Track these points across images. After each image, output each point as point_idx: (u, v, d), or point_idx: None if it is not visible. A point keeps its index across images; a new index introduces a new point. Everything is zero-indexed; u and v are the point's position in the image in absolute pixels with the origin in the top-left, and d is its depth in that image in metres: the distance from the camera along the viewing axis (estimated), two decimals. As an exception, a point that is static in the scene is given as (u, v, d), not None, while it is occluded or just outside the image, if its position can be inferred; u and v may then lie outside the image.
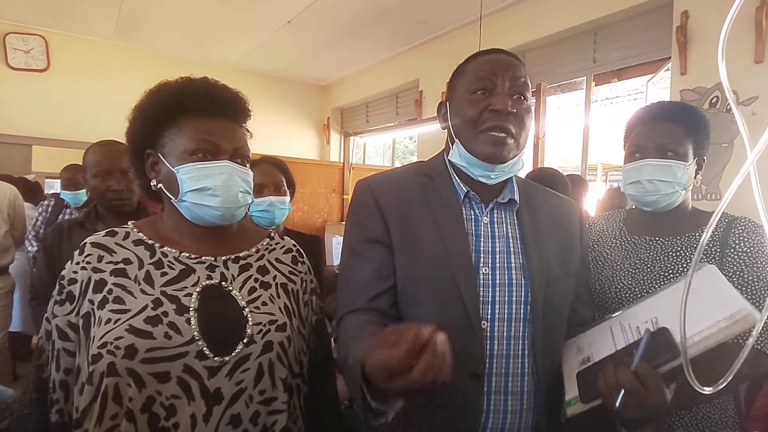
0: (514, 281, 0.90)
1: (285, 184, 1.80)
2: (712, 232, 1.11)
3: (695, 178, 1.16)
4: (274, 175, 1.76)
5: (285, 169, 1.82)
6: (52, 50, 4.72)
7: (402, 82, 5.07)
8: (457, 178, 0.97)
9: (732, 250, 1.07)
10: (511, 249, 0.93)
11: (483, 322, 0.87)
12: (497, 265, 0.91)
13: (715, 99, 2.54)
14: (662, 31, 2.87)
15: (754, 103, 2.38)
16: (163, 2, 3.98)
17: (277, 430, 0.86)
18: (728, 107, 2.44)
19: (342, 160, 4.44)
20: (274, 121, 6.03)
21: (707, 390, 0.63)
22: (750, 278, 1.05)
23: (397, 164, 6.77)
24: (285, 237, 1.07)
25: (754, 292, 1.04)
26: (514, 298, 0.89)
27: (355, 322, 0.87)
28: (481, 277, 0.89)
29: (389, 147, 6.69)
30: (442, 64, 4.39)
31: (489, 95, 0.90)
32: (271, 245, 1.02)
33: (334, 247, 3.64)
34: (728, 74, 0.52)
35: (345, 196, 4.11)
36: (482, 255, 0.91)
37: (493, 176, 0.93)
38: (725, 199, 0.54)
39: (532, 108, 0.94)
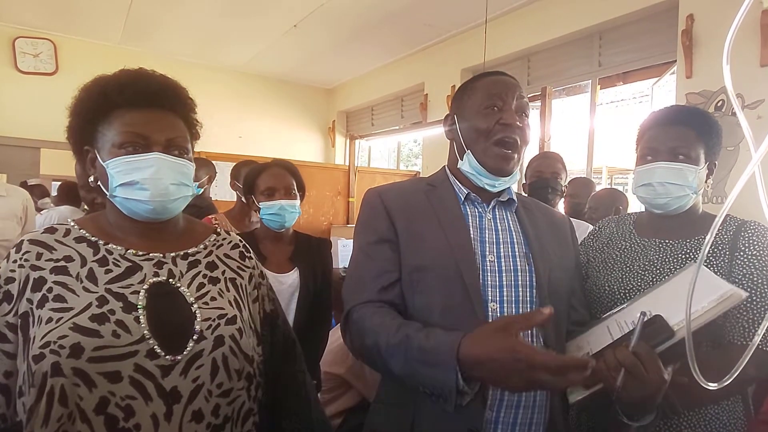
0: (519, 267, 0.99)
1: (296, 188, 1.81)
2: (722, 235, 1.12)
3: (706, 182, 1.17)
4: (285, 178, 1.77)
5: (296, 173, 1.83)
6: (60, 54, 4.77)
7: (407, 86, 5.10)
8: (458, 183, 1.08)
9: (741, 254, 1.08)
10: (515, 240, 1.03)
11: (492, 303, 0.95)
12: (502, 254, 1.00)
13: (720, 102, 2.55)
14: (667, 34, 2.88)
15: (760, 106, 2.39)
16: (170, 7, 4.02)
17: (241, 416, 0.88)
18: (734, 110, 2.45)
19: (347, 164, 4.47)
20: (280, 124, 6.06)
21: (712, 386, 0.64)
22: (760, 281, 1.05)
23: (402, 167, 6.80)
24: (230, 232, 1.06)
25: (764, 295, 1.04)
26: (520, 282, 0.98)
27: (370, 312, 0.93)
28: (488, 264, 0.98)
29: (394, 150, 6.73)
30: (447, 67, 4.41)
31: (499, 111, 1.02)
32: (218, 241, 1.01)
33: (340, 250, 3.66)
34: (733, 78, 0.53)
35: (350, 199, 4.12)
36: (487, 245, 1.00)
37: (497, 185, 1.04)
38: (729, 200, 0.55)
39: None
